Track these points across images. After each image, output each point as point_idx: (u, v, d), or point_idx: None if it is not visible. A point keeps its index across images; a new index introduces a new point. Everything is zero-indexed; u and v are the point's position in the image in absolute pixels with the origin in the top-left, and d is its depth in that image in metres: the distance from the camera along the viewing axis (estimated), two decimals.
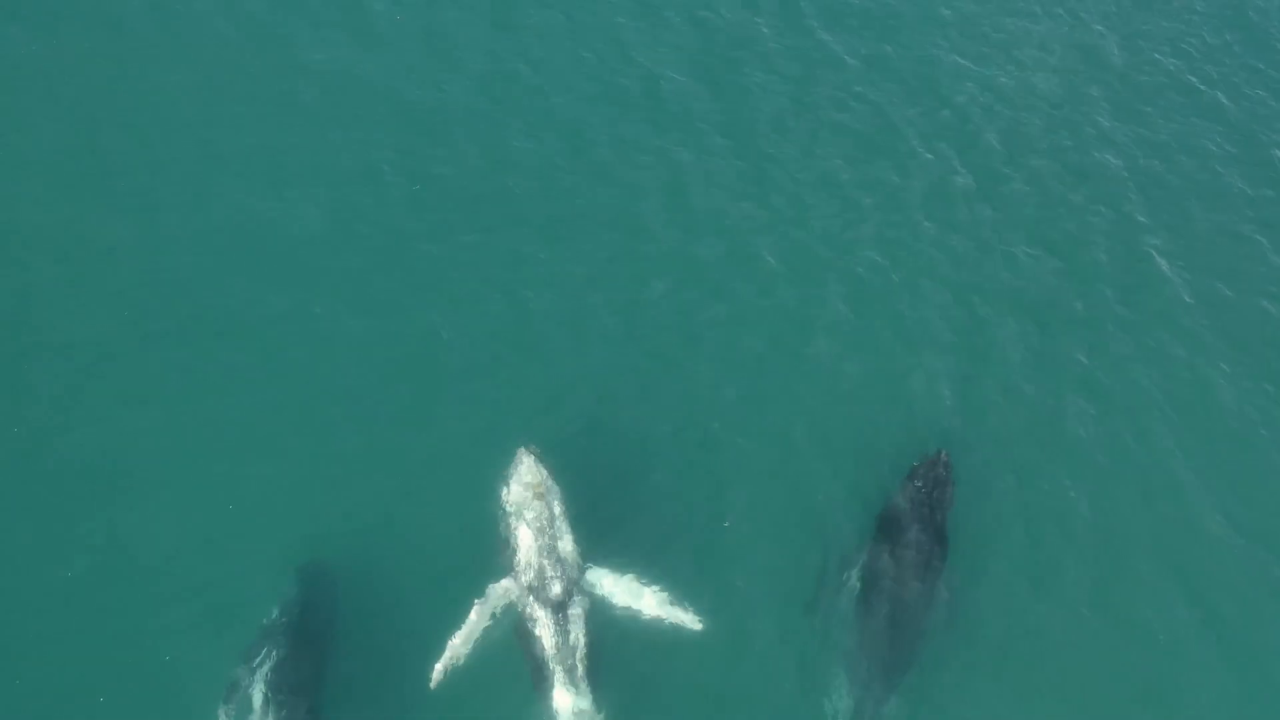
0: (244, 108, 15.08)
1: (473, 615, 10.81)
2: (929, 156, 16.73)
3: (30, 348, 12.56)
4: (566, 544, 11.18)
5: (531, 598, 10.96)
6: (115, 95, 14.82)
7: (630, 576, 11.27)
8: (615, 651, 11.23)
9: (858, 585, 12.46)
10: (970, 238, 15.88)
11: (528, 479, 11.29)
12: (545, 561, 11.00)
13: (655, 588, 11.28)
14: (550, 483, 11.30)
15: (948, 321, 14.87)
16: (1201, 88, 18.63)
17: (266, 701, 10.32)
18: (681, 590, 11.47)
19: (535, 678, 10.91)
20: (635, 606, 11.09)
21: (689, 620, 11.11)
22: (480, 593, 11.02)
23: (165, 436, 12.15)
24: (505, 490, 11.41)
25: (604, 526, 11.93)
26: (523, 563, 11.07)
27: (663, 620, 11.11)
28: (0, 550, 11.14)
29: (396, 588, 11.52)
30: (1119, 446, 14.07)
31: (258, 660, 10.60)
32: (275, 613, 11.00)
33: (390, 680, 11.02)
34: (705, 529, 12.54)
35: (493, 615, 10.91)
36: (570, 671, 10.79)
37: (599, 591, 11.14)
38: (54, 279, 13.08)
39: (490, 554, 11.39)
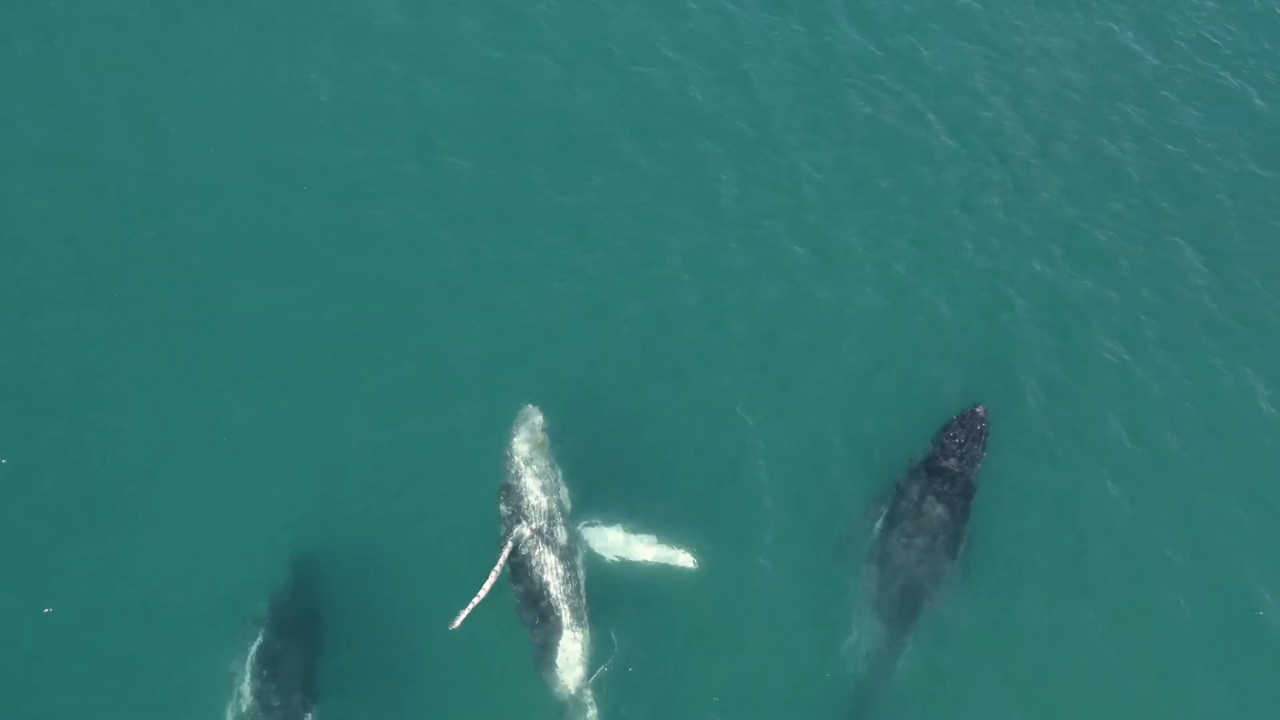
0: (253, 102, 15.09)
1: (501, 559, 11.05)
2: (958, 148, 16.72)
3: (30, 340, 12.56)
4: (564, 494, 11.66)
5: (540, 542, 11.24)
6: (122, 91, 14.82)
7: (623, 526, 11.71)
8: (626, 601, 11.53)
9: (879, 530, 12.56)
10: (1003, 231, 15.87)
11: (534, 430, 11.75)
12: (553, 507, 11.42)
13: (650, 536, 11.69)
14: (548, 437, 11.83)
15: (980, 310, 14.88)
16: (1233, 82, 18.46)
17: (262, 687, 10.36)
18: (698, 535, 11.93)
19: (537, 644, 11.06)
20: (634, 554, 11.59)
21: (684, 560, 11.56)
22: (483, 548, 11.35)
23: (164, 426, 12.18)
24: (512, 441, 11.77)
25: (621, 482, 12.39)
26: (533, 508, 11.37)
27: (660, 563, 11.58)
28: None
29: (389, 573, 11.58)
30: (1151, 438, 14.01)
31: (253, 647, 10.64)
32: (267, 602, 11.04)
33: (384, 664, 11.07)
34: (731, 479, 12.84)
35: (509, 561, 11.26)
36: (577, 614, 11.07)
37: (600, 542, 11.60)
38: (58, 274, 13.08)
39: (487, 537, 11.54)
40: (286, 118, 14.95)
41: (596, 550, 11.70)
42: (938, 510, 12.55)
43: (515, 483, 11.58)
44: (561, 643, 10.98)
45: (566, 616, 11.04)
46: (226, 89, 15.04)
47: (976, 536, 12.74)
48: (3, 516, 11.36)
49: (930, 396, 13.85)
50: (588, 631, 11.15)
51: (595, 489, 12.19)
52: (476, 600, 10.83)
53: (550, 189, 14.94)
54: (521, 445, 11.70)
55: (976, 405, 13.36)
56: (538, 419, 11.88)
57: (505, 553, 11.07)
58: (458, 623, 10.76)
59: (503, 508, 11.55)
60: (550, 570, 11.15)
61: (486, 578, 10.94)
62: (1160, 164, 17.12)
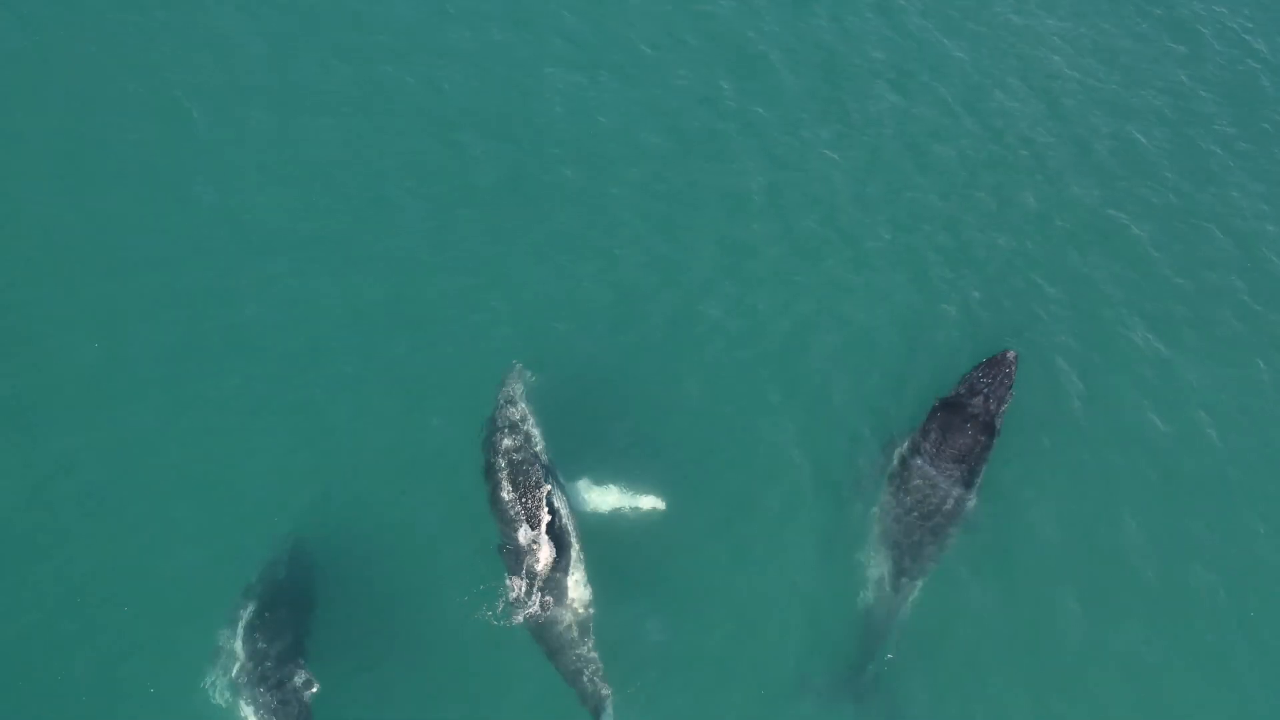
0: (269, 97, 15.11)
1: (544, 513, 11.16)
2: (983, 133, 16.68)
3: (25, 332, 12.51)
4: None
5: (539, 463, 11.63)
6: (143, 74, 14.89)
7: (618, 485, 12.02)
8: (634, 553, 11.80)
9: (898, 466, 12.60)
10: (1031, 220, 15.81)
11: (523, 376, 12.39)
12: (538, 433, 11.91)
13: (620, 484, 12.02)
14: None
15: (1010, 293, 14.82)
16: (1261, 70, 18.30)
17: (256, 649, 10.41)
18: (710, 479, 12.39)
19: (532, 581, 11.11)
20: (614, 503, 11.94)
21: (656, 504, 11.88)
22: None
23: (160, 408, 12.18)
24: (504, 385, 12.26)
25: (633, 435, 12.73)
26: (534, 434, 11.74)
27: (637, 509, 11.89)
28: None
29: (378, 546, 11.64)
30: (1180, 419, 13.94)
31: (245, 615, 10.69)
32: (258, 573, 11.09)
33: (372, 630, 11.07)
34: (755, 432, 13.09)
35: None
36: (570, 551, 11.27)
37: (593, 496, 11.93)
38: (57, 269, 13.07)
39: (473, 516, 11.64)
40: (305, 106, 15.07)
41: (590, 504, 11.92)
42: (959, 443, 12.54)
43: (514, 418, 11.86)
44: (561, 579, 11.11)
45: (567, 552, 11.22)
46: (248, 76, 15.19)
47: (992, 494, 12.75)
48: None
49: (951, 364, 13.82)
50: (584, 571, 11.32)
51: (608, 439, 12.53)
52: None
53: (577, 173, 14.99)
54: (513, 386, 12.23)
55: (1007, 350, 13.42)
56: (522, 370, 12.41)
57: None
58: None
59: (507, 440, 11.67)
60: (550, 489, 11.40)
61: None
62: (1190, 152, 16.97)
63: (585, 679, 10.78)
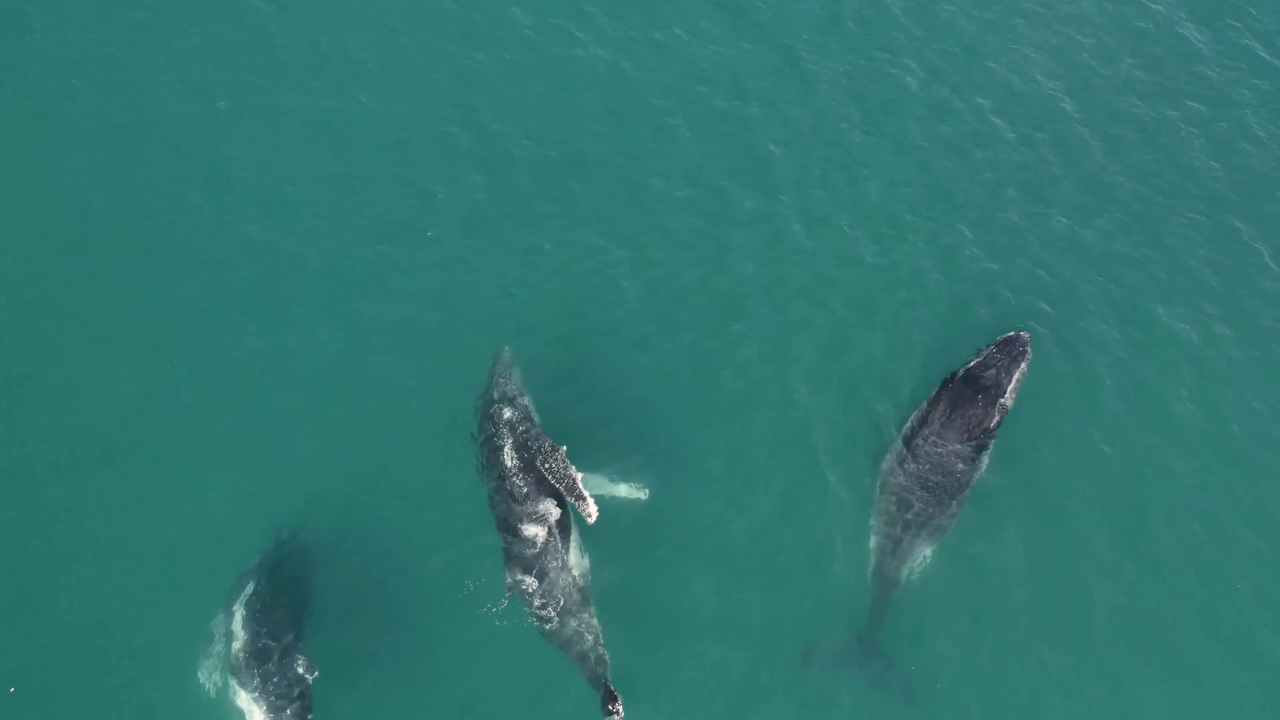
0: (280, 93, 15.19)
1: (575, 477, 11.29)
2: (1001, 124, 16.55)
3: (27, 334, 12.56)
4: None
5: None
6: (170, 57, 15.06)
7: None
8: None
9: (908, 434, 12.54)
10: (1058, 198, 15.72)
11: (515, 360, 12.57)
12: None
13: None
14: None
15: (1032, 279, 14.69)
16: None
17: (255, 630, 10.35)
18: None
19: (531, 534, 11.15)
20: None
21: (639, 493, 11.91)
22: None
23: (161, 392, 12.25)
24: (496, 359, 12.47)
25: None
26: (530, 408, 12.01)
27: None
28: None
29: (374, 530, 11.60)
30: (1204, 398, 13.75)
31: (244, 596, 10.66)
32: (257, 558, 11.11)
33: (368, 610, 11.06)
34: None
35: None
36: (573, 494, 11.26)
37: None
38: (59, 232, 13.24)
39: (470, 501, 11.67)
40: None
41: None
42: (969, 414, 12.48)
43: (509, 390, 12.02)
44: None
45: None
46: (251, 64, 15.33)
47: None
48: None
49: (965, 343, 13.73)
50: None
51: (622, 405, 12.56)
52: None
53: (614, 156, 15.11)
54: (506, 358, 12.47)
55: (1021, 331, 13.41)
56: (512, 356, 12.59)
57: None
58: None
59: (507, 413, 11.75)
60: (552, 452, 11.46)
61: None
62: (1214, 141, 16.74)
63: (586, 648, 10.74)
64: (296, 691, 10.02)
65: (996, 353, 13.09)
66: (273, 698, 9.92)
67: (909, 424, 12.70)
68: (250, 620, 10.37)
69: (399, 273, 13.53)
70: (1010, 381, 12.83)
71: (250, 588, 10.65)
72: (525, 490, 11.19)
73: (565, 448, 11.39)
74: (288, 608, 10.66)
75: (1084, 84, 17.20)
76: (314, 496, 11.68)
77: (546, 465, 11.26)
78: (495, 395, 11.99)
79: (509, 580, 10.98)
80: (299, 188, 14.13)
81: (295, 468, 11.89)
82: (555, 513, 11.13)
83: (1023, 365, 13.01)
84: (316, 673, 10.06)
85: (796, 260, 14.33)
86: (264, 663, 10.12)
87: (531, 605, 10.90)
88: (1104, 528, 12.45)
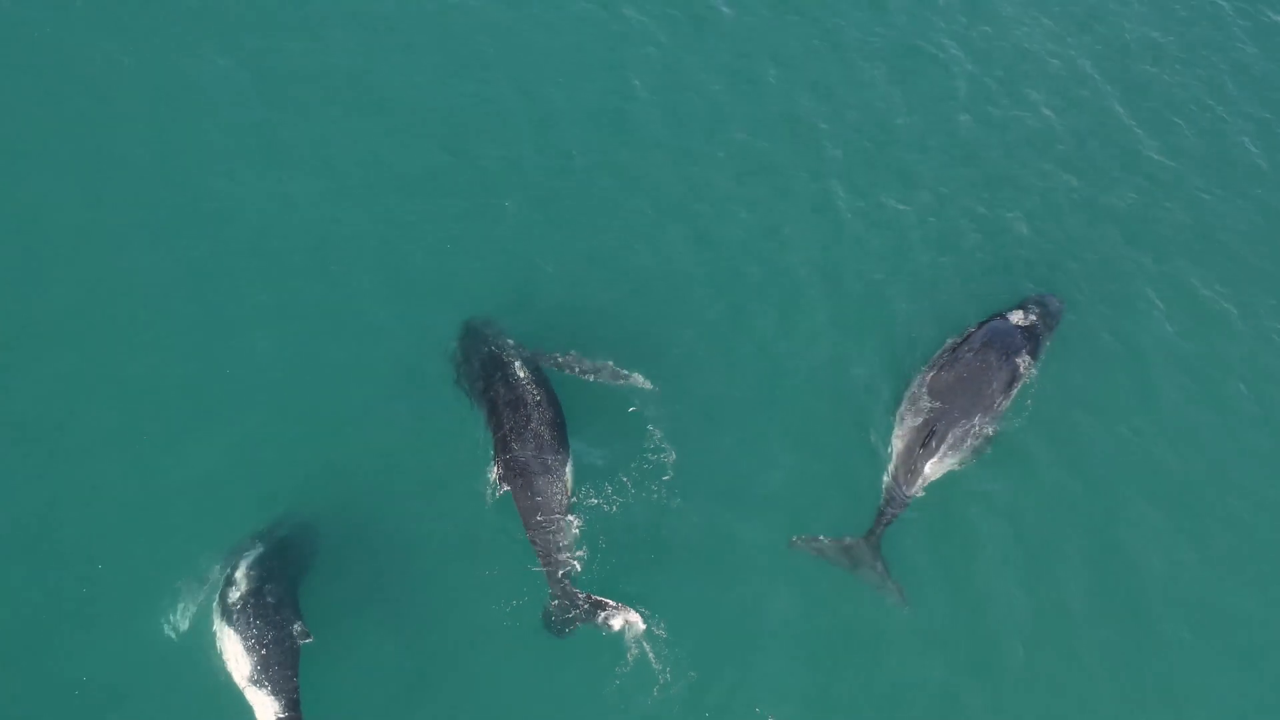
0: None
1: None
2: (1012, 104, 16.52)
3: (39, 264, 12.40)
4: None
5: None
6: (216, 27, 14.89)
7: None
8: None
9: (946, 352, 12.48)
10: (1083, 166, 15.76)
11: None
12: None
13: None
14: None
15: (1074, 252, 14.63)
16: None
17: (257, 586, 10.22)
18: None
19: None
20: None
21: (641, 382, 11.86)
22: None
23: (162, 363, 11.98)
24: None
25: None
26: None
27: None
28: None
29: (384, 498, 11.35)
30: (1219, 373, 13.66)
31: (250, 556, 10.52)
32: (266, 524, 10.96)
33: (373, 578, 10.85)
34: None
35: None
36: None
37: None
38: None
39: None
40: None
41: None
42: (1009, 341, 12.48)
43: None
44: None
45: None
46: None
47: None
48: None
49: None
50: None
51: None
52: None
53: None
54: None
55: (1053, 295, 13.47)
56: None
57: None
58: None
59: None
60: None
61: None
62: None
63: (558, 550, 10.63)
64: (287, 651, 9.90)
65: (1033, 302, 13.22)
66: (263, 653, 9.81)
67: (950, 344, 12.64)
68: (253, 576, 10.28)
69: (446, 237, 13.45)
70: (1050, 329, 12.95)
71: (260, 548, 10.60)
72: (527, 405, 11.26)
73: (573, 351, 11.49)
74: (292, 571, 10.59)
75: (1133, 70, 17.12)
76: (339, 467, 11.41)
77: (576, 366, 11.59)
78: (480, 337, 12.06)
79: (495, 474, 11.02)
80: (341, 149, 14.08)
81: (323, 438, 11.61)
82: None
83: (1056, 318, 13.11)
84: (310, 638, 9.96)
85: (842, 235, 14.25)
86: (261, 619, 9.99)
87: (519, 504, 10.85)
88: (1129, 482, 12.30)
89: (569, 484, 11.01)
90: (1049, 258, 14.36)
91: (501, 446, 11.09)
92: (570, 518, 10.83)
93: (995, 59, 16.78)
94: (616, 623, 10.32)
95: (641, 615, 10.32)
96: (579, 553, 10.70)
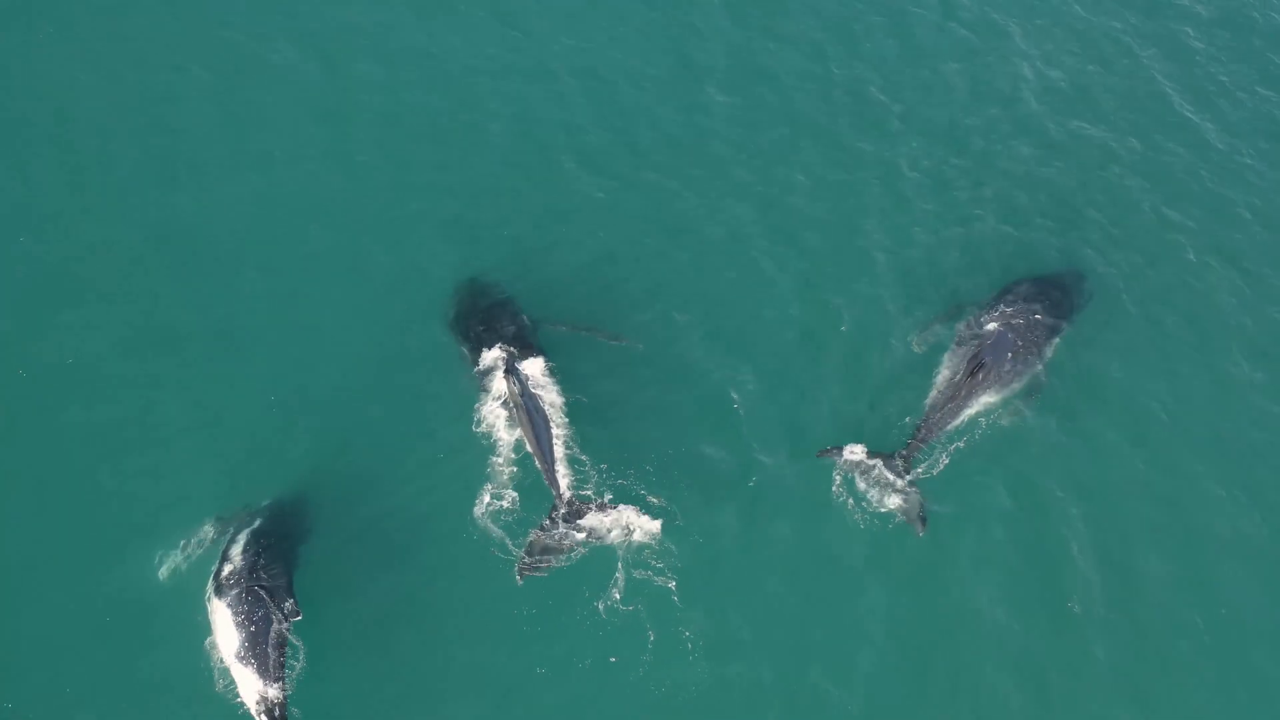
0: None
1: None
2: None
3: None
4: None
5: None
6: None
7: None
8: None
9: (996, 297, 12.83)
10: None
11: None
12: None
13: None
14: None
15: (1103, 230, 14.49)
16: None
17: (252, 560, 10.13)
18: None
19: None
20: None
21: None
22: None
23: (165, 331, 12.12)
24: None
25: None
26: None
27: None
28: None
29: (377, 475, 11.27)
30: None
31: (246, 530, 10.48)
32: (266, 500, 10.96)
33: (366, 553, 10.74)
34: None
35: None
36: None
37: None
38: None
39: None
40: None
41: None
42: (1054, 296, 12.83)
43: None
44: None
45: None
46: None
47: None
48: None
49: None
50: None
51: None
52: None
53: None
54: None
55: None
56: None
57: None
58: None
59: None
60: None
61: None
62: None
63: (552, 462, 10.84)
64: (276, 629, 9.73)
65: (1062, 278, 13.45)
66: (252, 629, 9.68)
67: (993, 295, 13.00)
68: (249, 552, 10.16)
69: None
70: (1075, 310, 13.12)
71: (258, 522, 10.52)
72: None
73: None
74: (288, 547, 10.45)
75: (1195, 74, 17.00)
76: (336, 442, 11.37)
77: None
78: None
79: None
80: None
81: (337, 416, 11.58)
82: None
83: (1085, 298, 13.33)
84: (300, 616, 9.85)
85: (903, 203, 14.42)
86: (253, 595, 9.82)
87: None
88: (1177, 439, 12.29)
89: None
90: (1100, 228, 14.41)
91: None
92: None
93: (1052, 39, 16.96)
94: (632, 523, 10.35)
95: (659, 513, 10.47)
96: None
